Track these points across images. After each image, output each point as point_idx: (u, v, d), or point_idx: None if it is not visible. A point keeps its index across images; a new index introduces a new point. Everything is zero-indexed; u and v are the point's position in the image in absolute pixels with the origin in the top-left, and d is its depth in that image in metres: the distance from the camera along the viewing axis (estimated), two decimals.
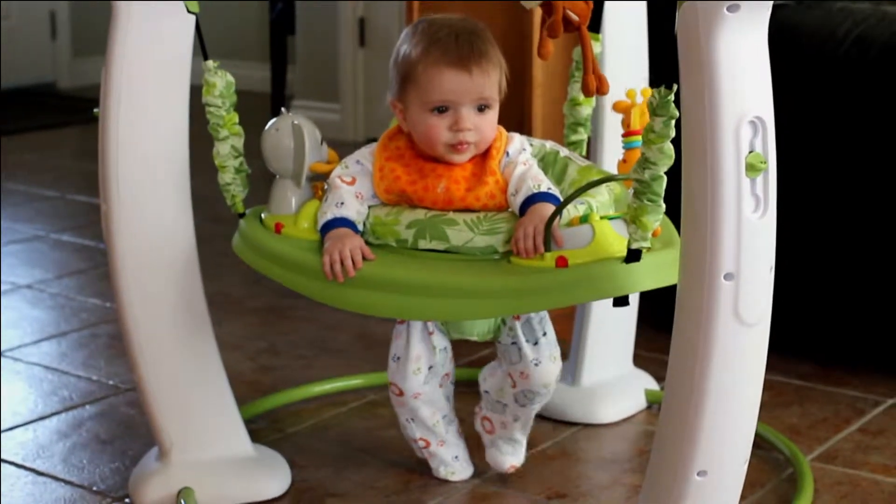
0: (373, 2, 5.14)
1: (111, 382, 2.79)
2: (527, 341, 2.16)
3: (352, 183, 2.11)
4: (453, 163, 2.08)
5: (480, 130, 2.06)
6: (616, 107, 2.20)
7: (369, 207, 2.11)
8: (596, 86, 2.10)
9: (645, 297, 2.65)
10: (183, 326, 2.22)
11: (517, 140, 2.12)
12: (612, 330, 2.62)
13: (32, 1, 6.41)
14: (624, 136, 2.19)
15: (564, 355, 2.32)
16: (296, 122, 2.15)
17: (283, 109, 2.22)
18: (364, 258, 2.02)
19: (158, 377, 2.20)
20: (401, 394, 2.23)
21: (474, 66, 2.04)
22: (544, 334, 2.17)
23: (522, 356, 2.16)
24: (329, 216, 2.08)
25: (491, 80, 2.05)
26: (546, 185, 2.03)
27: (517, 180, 2.04)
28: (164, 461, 2.24)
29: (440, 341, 2.21)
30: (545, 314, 2.17)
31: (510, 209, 2.04)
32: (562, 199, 2.00)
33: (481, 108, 2.06)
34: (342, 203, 2.09)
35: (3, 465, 2.40)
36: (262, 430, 2.51)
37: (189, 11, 2.11)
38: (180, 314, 2.21)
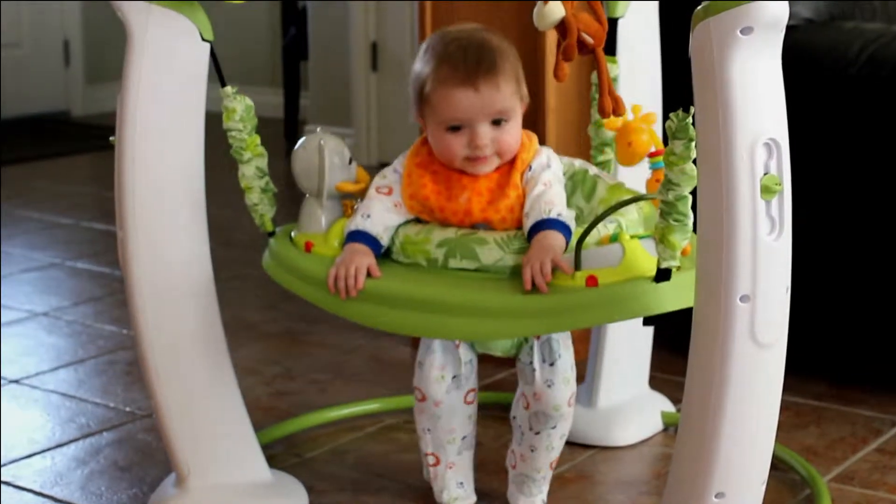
0: (385, 26, 5.15)
1: (128, 409, 2.79)
2: (543, 361, 2.14)
3: (389, 193, 2.11)
4: (477, 174, 2.07)
5: (499, 143, 2.05)
6: (608, 126, 2.20)
7: (406, 222, 2.11)
8: (612, 108, 2.10)
9: (660, 318, 2.65)
10: (200, 352, 2.22)
11: (544, 154, 2.10)
12: (628, 352, 2.62)
13: (46, 29, 6.43)
14: (650, 156, 2.19)
15: (580, 377, 2.32)
16: (321, 140, 2.16)
17: (318, 129, 2.24)
18: (370, 275, 2.03)
19: (175, 403, 2.20)
20: (423, 399, 2.19)
21: (482, 83, 2.02)
22: (560, 357, 2.14)
23: (535, 377, 2.14)
24: (352, 227, 2.10)
25: (504, 94, 2.03)
26: (558, 210, 2.01)
27: (532, 200, 2.03)
28: (182, 488, 2.24)
29: (466, 354, 2.18)
30: (567, 336, 2.15)
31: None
32: (573, 225, 2.00)
33: (497, 122, 2.05)
34: (369, 215, 2.09)
35: (21, 492, 2.40)
36: (279, 455, 2.51)
37: (203, 39, 2.12)
38: (197, 340, 2.21)
